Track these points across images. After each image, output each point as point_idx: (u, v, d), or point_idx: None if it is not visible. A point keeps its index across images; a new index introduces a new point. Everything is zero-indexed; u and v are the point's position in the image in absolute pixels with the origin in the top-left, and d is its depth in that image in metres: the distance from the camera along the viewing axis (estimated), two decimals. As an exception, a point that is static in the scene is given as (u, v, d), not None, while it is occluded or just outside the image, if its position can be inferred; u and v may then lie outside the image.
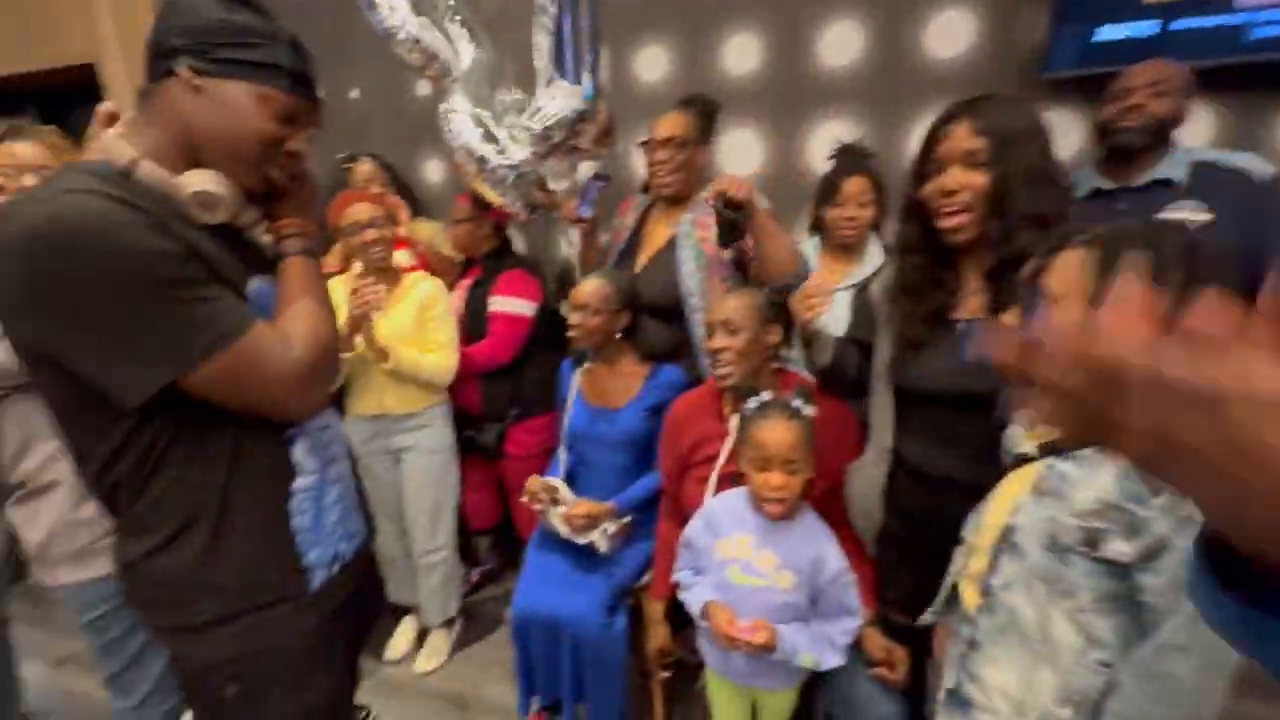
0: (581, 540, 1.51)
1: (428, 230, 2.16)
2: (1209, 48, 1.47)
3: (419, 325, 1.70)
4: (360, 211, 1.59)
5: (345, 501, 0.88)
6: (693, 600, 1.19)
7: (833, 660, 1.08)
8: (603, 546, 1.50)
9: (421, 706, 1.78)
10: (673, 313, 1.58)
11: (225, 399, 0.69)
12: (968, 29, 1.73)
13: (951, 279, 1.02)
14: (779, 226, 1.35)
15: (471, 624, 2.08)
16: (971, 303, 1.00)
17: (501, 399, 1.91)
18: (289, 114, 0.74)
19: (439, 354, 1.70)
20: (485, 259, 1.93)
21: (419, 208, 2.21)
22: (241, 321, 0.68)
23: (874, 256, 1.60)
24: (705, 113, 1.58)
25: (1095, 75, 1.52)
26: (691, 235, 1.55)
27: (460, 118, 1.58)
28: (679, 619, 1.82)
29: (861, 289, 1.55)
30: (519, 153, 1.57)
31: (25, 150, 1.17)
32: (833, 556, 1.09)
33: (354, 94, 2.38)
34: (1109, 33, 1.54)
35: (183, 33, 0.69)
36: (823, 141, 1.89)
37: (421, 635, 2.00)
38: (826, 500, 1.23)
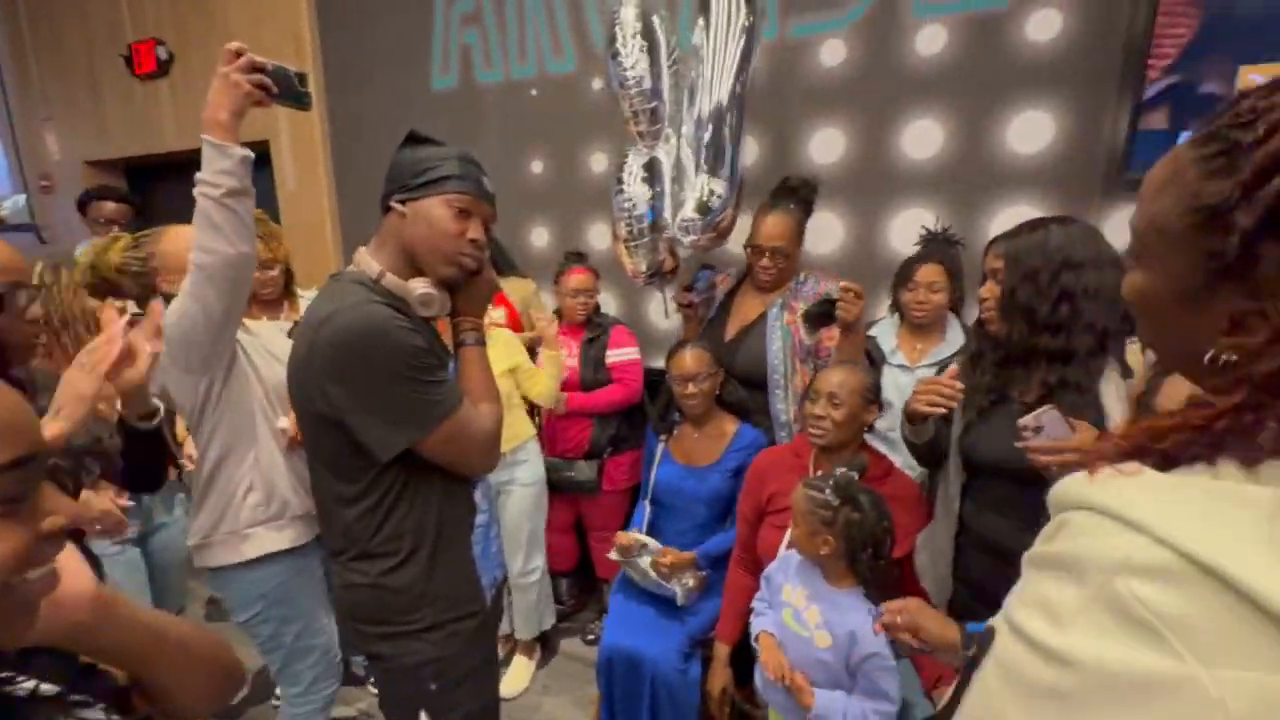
0: (663, 590, 1.65)
1: (521, 288, 2.39)
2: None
3: (510, 377, 1.90)
4: None
5: (496, 536, 1.09)
6: (755, 626, 1.31)
7: None
8: (680, 598, 1.63)
9: (505, 729, 1.92)
10: (752, 381, 1.74)
11: (440, 458, 0.92)
12: (1049, 127, 1.83)
13: (1019, 363, 1.14)
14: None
15: (548, 656, 2.23)
16: (1035, 385, 1.12)
17: (605, 438, 2.16)
18: (464, 209, 0.93)
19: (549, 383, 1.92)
20: (589, 322, 2.17)
21: (514, 267, 2.42)
22: (458, 400, 0.91)
23: (955, 338, 1.70)
24: (806, 201, 1.76)
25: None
26: (781, 317, 1.72)
27: (636, 176, 1.78)
28: (745, 671, 1.90)
29: (942, 368, 1.65)
30: (675, 221, 1.77)
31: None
32: (869, 638, 1.14)
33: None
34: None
35: (391, 180, 0.95)
36: (901, 227, 2.02)
37: (505, 660, 2.17)
38: (898, 570, 1.31)
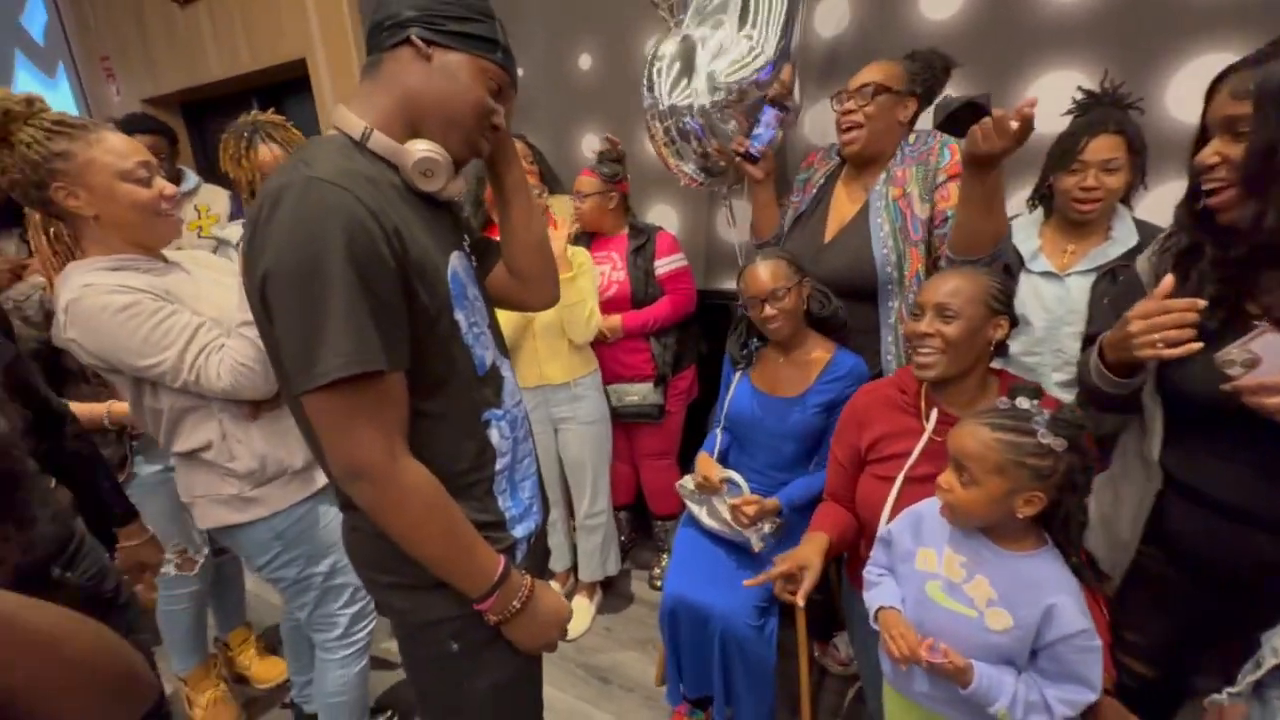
0: (736, 537, 1.43)
1: (563, 205, 2.12)
2: None
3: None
4: None
5: (534, 478, 0.91)
6: (872, 600, 1.03)
7: None
8: (757, 547, 1.40)
9: (565, 675, 1.82)
10: (862, 292, 1.40)
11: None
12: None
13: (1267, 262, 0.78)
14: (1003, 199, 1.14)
15: (609, 598, 2.11)
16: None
17: (668, 358, 1.95)
18: (500, 87, 0.77)
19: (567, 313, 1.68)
20: (631, 228, 1.93)
21: (561, 186, 2.16)
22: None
23: (1125, 235, 1.29)
24: (930, 66, 1.40)
25: None
26: (885, 195, 1.37)
27: (666, 65, 1.56)
28: (826, 626, 1.69)
29: (1104, 275, 1.27)
30: (706, 98, 1.52)
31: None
32: (1073, 614, 0.86)
33: (520, 73, 2.44)
34: None
35: (414, 5, 0.72)
36: (1050, 92, 1.56)
37: (566, 597, 2.06)
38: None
